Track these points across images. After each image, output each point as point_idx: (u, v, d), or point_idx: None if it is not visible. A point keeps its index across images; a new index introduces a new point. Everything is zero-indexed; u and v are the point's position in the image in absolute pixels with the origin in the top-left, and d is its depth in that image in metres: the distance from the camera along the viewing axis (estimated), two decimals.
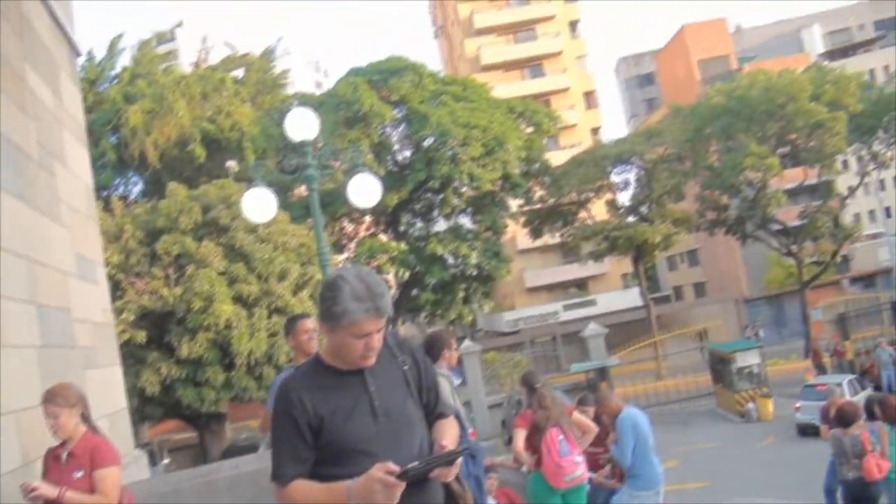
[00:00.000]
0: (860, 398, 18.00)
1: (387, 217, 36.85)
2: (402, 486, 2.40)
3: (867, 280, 48.51)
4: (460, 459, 2.60)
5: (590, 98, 57.95)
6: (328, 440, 2.56)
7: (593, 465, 7.79)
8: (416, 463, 2.47)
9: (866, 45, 64.56)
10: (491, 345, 43.08)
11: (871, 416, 8.86)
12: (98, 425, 4.67)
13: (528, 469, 6.87)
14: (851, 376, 23.69)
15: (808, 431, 18.61)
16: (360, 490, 2.41)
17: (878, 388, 23.33)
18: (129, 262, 20.90)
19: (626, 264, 46.83)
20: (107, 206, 23.33)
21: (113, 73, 36.28)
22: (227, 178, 25.03)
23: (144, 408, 20.95)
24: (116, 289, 19.52)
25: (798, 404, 20.81)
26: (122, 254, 20.77)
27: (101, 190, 29.90)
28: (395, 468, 2.39)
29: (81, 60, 22.03)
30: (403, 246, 34.40)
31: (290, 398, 2.59)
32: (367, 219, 37.26)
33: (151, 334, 20.52)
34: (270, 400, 5.60)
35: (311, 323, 5.91)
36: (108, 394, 8.21)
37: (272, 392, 5.72)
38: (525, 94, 47.10)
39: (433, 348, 5.76)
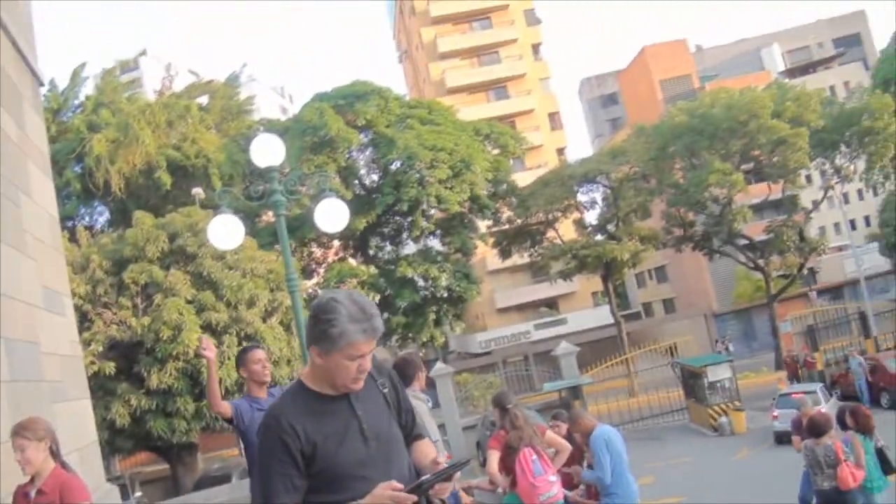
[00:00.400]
0: (829, 407, 18.27)
1: (355, 241, 36.83)
2: (414, 499, 2.40)
3: (834, 292, 49.14)
4: (458, 474, 2.62)
5: (554, 119, 58.42)
6: (322, 467, 2.52)
7: (568, 484, 7.79)
8: (428, 476, 2.50)
9: (826, 62, 65.82)
10: (463, 366, 43.01)
11: (843, 426, 8.95)
12: (67, 460, 4.60)
13: (504, 490, 6.85)
14: (821, 384, 24.04)
15: (784, 439, 18.82)
16: None
17: (850, 397, 23.59)
18: (97, 292, 20.66)
19: (595, 283, 47.07)
20: (72, 237, 23.11)
21: (76, 102, 36.01)
22: (194, 206, 24.86)
23: (115, 440, 20.66)
24: (84, 320, 19.29)
25: (775, 413, 21.01)
26: (88, 284, 20.53)
27: (67, 220, 29.60)
28: (400, 485, 2.40)
29: (44, 90, 21.87)
30: (373, 269, 34.40)
31: (280, 424, 2.52)
32: (336, 243, 37.21)
33: (120, 365, 20.25)
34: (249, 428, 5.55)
35: (262, 353, 5.95)
36: (77, 427, 8.09)
37: (240, 414, 5.68)
38: (490, 116, 47.40)
39: (406, 371, 5.76)
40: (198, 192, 27.79)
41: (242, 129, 36.75)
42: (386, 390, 2.76)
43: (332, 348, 2.51)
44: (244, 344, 20.74)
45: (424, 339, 36.73)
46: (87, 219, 34.81)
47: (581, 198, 40.48)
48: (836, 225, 57.37)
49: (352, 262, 37.27)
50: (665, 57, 56.04)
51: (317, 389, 2.61)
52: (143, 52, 56.79)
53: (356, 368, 2.55)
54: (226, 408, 5.69)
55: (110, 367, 19.72)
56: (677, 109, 38.63)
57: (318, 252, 37.61)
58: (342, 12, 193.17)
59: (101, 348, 19.80)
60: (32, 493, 4.32)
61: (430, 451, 2.81)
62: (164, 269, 20.84)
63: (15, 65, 8.01)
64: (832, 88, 57.04)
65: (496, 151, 38.48)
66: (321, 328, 2.52)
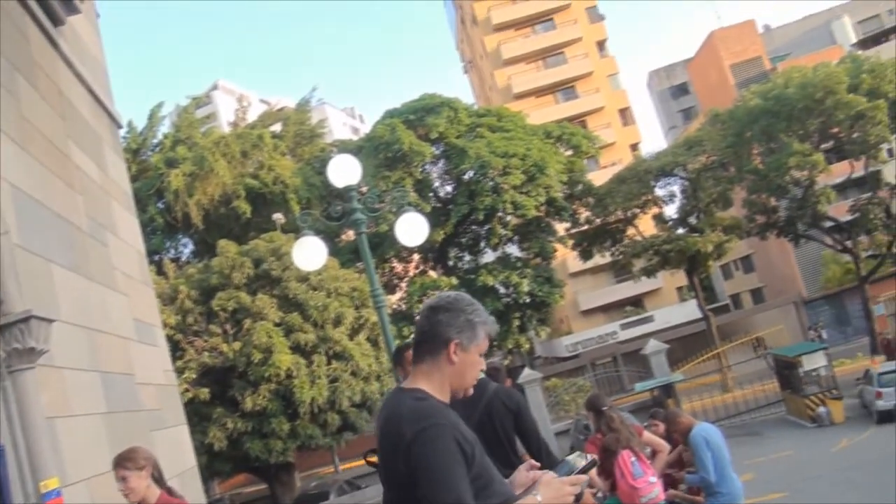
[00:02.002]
0: None
1: (434, 253, 36.97)
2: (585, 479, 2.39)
3: None
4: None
5: (625, 114, 57.75)
6: (477, 472, 2.35)
7: (671, 485, 7.61)
8: (585, 464, 2.48)
9: None
10: (551, 371, 42.73)
11: None
12: (172, 486, 4.69)
13: (604, 494, 6.74)
14: None
15: (890, 417, 18.99)
16: (552, 496, 2.31)
17: None
18: (187, 321, 21.19)
19: (680, 277, 46.27)
20: (160, 270, 23.76)
21: (155, 141, 37.12)
22: (275, 231, 25.34)
23: (213, 464, 21.12)
24: (176, 349, 19.79)
25: (879, 391, 20.77)
26: (178, 315, 21.07)
27: (153, 255, 30.46)
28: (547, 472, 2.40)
29: (123, 132, 22.57)
30: (454, 280, 34.42)
31: (455, 424, 2.36)
32: (416, 257, 37.42)
33: (214, 391, 20.72)
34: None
35: None
36: (177, 453, 8.27)
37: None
38: (560, 118, 47.08)
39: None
40: (278, 217, 28.33)
41: (316, 153, 37.37)
42: None
43: (473, 341, 2.47)
44: (333, 363, 21.08)
45: (510, 347, 36.61)
46: (172, 252, 35.83)
47: (659, 192, 39.83)
48: None
49: (432, 274, 37.41)
50: (734, 40, 54.92)
51: (439, 398, 2.47)
52: (215, 87, 58.22)
53: (478, 368, 2.51)
54: None
55: (205, 394, 20.20)
56: (751, 93, 37.76)
57: (398, 267, 37.88)
58: (404, 31, 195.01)
59: (194, 375, 20.30)
60: None
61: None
62: (251, 295, 21.26)
63: (92, 111, 8.27)
64: None
65: (569, 152, 38.22)
66: (466, 318, 2.46)
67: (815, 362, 24.67)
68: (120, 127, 9.62)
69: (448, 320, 2.47)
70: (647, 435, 7.17)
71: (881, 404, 20.44)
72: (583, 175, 38.56)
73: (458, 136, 35.02)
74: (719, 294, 61.45)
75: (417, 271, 37.83)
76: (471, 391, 2.54)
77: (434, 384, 2.47)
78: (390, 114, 35.88)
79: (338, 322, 21.60)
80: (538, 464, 2.59)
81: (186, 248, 36.75)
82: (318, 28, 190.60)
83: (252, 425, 20.71)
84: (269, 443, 20.99)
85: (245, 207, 32.65)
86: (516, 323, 35.75)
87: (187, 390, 19.35)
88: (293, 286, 21.32)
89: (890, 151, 41.61)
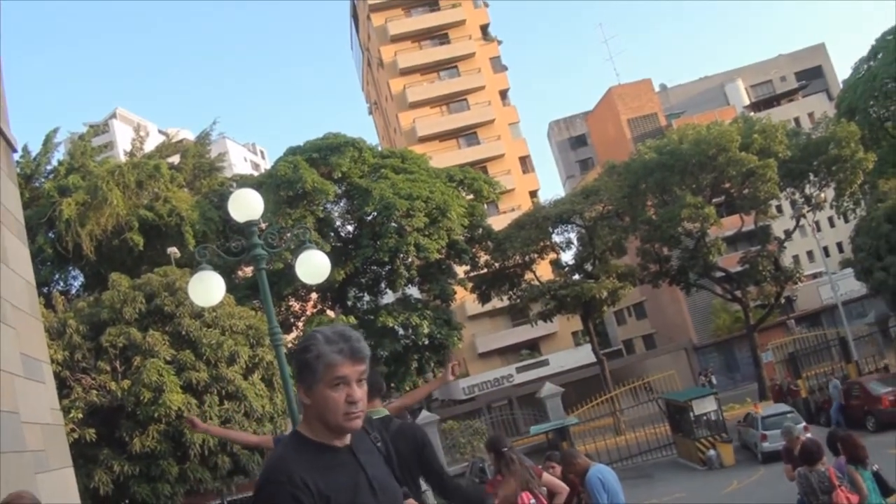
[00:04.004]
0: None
1: (333, 293, 36.64)
2: None
3: (812, 318, 49.48)
4: None
5: (525, 162, 58.86)
6: None
7: None
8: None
9: (789, 95, 67.07)
10: (448, 413, 42.69)
11: (835, 452, 8.94)
12: None
13: None
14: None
15: (774, 458, 19.46)
16: None
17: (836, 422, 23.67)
18: (75, 358, 20.31)
19: (575, 322, 47.07)
20: (48, 303, 22.80)
21: (49, 167, 35.78)
22: (169, 265, 24.66)
23: None
24: (63, 386, 18.94)
25: (763, 433, 21.80)
26: (66, 350, 20.19)
27: (42, 286, 29.21)
28: None
29: (17, 156, 21.75)
30: (353, 320, 34.17)
31: (292, 480, 2.37)
32: (314, 296, 37.01)
33: (101, 431, 19.84)
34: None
35: None
36: (61, 498, 7.89)
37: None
38: (462, 163, 47.66)
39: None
40: (173, 251, 27.61)
41: (215, 187, 36.74)
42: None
43: (314, 378, 2.43)
44: (226, 403, 20.53)
45: (408, 388, 36.43)
46: (62, 284, 34.47)
47: (556, 238, 40.65)
48: (810, 253, 58.01)
49: (330, 314, 37.06)
50: (631, 97, 56.93)
51: (317, 439, 2.49)
52: (114, 115, 56.78)
53: (344, 398, 2.44)
54: (267, 440, 5.55)
55: (91, 434, 19.33)
56: (646, 147, 39.07)
57: (296, 306, 37.38)
58: (309, 70, 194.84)
59: (80, 415, 19.42)
60: None
61: None
62: (143, 331, 20.56)
63: None
64: (797, 120, 58.11)
65: (470, 197, 38.63)
66: (300, 359, 2.46)
67: (705, 407, 25.42)
68: (15, 151, 9.25)
69: (294, 369, 2.52)
70: (546, 476, 7.22)
71: (766, 446, 21.40)
72: (483, 219, 39.02)
73: (362, 176, 35.00)
74: (613, 339, 62.83)
75: (315, 310, 37.41)
76: (353, 424, 2.49)
77: (309, 426, 2.52)
78: (293, 151, 35.62)
79: (232, 361, 21.04)
80: None
81: (77, 280, 35.37)
82: (221, 62, 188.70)
83: (140, 468, 19.90)
84: (157, 486, 20.16)
85: (138, 239, 31.68)
86: (414, 365, 35.68)
87: (73, 430, 18.51)
88: (186, 322, 20.72)
89: (779, 207, 43.67)
